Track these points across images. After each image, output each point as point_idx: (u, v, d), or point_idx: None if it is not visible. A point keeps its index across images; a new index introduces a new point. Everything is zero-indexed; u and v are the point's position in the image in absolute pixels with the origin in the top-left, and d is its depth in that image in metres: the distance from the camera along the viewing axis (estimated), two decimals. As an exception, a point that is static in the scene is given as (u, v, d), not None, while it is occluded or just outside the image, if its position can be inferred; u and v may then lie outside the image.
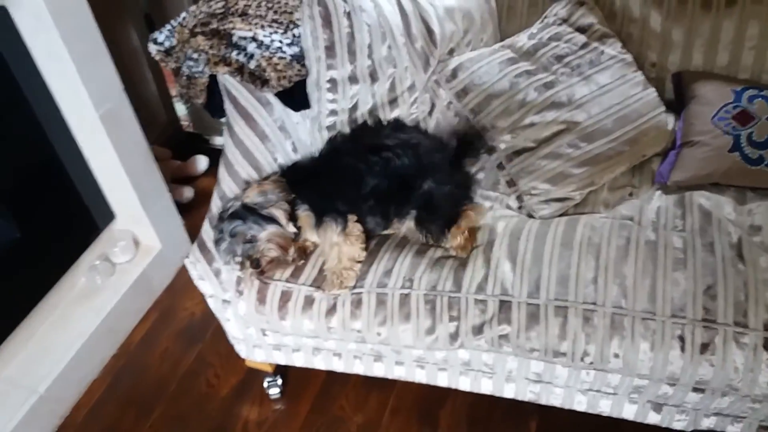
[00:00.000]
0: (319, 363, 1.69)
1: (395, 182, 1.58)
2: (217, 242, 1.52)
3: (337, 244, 1.51)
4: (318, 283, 1.53)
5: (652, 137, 1.70)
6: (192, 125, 2.88)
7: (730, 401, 1.39)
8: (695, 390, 1.39)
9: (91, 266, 2.13)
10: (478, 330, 1.43)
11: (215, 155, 2.30)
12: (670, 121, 1.75)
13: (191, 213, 2.52)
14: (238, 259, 1.51)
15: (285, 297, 1.52)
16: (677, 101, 1.80)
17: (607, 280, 1.40)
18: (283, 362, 1.73)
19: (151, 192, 2.16)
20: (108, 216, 2.19)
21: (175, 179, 2.67)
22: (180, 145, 2.79)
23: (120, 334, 2.14)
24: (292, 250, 1.55)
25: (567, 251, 1.47)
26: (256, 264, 1.51)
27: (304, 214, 1.57)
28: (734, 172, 1.62)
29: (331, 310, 1.50)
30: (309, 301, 1.51)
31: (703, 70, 1.79)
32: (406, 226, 1.60)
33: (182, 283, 2.26)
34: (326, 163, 1.65)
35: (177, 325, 2.17)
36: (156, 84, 2.73)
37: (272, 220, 1.51)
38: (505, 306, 1.42)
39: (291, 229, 1.54)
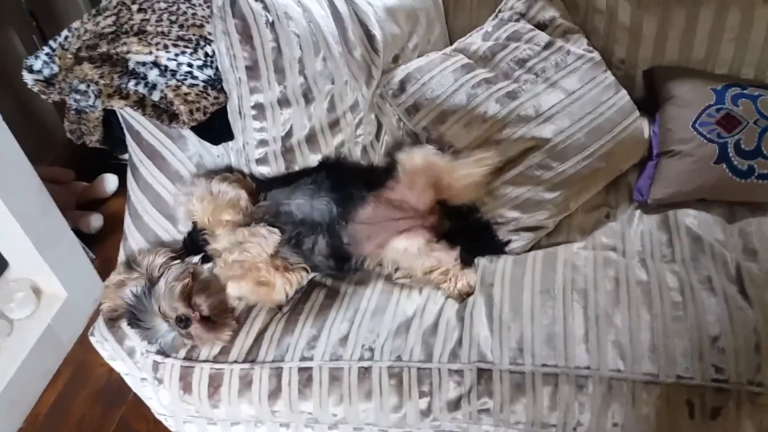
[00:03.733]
0: (265, 437, 1.44)
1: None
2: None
3: None
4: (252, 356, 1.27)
5: (628, 148, 1.50)
6: (97, 138, 2.52)
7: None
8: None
9: (-17, 326, 1.80)
10: (455, 405, 1.20)
11: (126, 172, 1.99)
12: (645, 126, 1.55)
13: (102, 244, 2.21)
14: (170, 339, 1.24)
15: (215, 381, 1.26)
16: (650, 100, 1.60)
17: (599, 337, 1.20)
18: (221, 439, 1.47)
19: (49, 233, 1.83)
20: (-1, 264, 1.86)
21: (80, 204, 2.33)
22: (84, 164, 2.44)
23: (24, 405, 1.82)
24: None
25: (549, 300, 1.25)
26: (183, 321, 1.21)
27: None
28: (722, 186, 1.44)
29: (275, 391, 1.24)
30: (246, 383, 1.25)
31: (677, 65, 1.60)
32: None
33: (96, 335, 1.94)
34: None
35: (93, 384, 1.87)
36: (50, 95, 2.35)
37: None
38: (484, 375, 1.19)
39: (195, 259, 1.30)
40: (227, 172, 1.37)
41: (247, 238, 1.25)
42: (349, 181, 1.36)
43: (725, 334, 1.18)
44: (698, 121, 1.47)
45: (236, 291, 1.27)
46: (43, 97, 1.31)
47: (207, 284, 1.27)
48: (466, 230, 1.40)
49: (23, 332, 1.85)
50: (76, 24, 1.30)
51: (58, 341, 1.91)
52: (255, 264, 1.25)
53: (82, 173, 2.41)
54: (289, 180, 1.36)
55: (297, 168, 1.38)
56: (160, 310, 1.22)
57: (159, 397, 1.31)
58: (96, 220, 2.24)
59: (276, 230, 1.28)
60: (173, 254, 1.32)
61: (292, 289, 1.31)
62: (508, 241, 1.41)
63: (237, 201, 1.30)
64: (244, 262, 1.25)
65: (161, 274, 1.26)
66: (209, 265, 1.30)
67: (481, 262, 1.37)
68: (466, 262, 1.36)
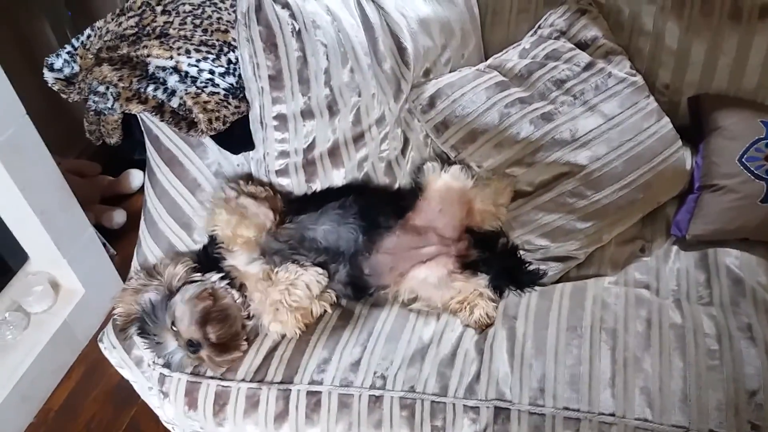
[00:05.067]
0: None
1: None
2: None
3: None
4: (260, 376, 1.22)
5: (668, 180, 1.42)
6: (125, 133, 2.50)
7: None
8: None
9: (1, 319, 1.79)
10: (468, 444, 1.14)
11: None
12: (687, 157, 1.46)
13: (124, 240, 2.18)
14: (178, 359, 1.22)
15: (221, 399, 1.21)
16: (694, 130, 1.51)
17: (626, 382, 1.12)
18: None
19: (69, 229, 1.81)
20: (20, 257, 1.85)
21: (105, 199, 2.32)
22: (111, 158, 2.42)
23: (36, 400, 1.80)
24: (236, 295, 1.25)
25: (575, 339, 1.18)
26: (194, 346, 1.18)
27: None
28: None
29: (282, 413, 1.19)
30: (253, 403, 1.20)
31: (726, 93, 1.50)
32: None
33: (111, 334, 1.92)
34: None
35: (106, 383, 1.85)
36: (81, 86, 2.34)
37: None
38: (502, 415, 1.13)
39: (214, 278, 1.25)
40: (257, 185, 1.33)
41: (294, 281, 1.22)
42: (377, 206, 1.32)
43: (764, 388, 1.10)
44: (746, 156, 1.38)
45: (279, 329, 1.24)
46: (63, 96, 1.28)
47: (226, 312, 1.22)
48: (496, 260, 1.34)
49: (39, 327, 1.84)
50: (99, 23, 1.27)
51: (73, 337, 1.90)
52: (300, 306, 1.23)
53: (108, 167, 2.40)
54: (315, 201, 1.31)
55: (318, 181, 1.33)
56: (172, 328, 1.19)
57: (164, 410, 1.28)
58: (119, 216, 2.22)
59: (324, 272, 1.25)
60: (194, 265, 1.28)
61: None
62: (544, 273, 1.34)
63: (264, 222, 1.26)
64: (290, 305, 1.22)
65: (179, 287, 1.23)
66: (225, 283, 1.26)
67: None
68: (496, 291, 1.30)
